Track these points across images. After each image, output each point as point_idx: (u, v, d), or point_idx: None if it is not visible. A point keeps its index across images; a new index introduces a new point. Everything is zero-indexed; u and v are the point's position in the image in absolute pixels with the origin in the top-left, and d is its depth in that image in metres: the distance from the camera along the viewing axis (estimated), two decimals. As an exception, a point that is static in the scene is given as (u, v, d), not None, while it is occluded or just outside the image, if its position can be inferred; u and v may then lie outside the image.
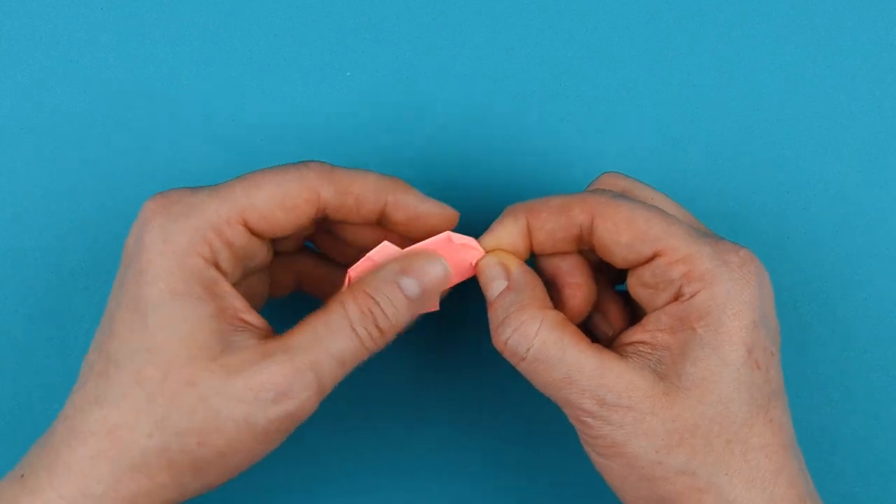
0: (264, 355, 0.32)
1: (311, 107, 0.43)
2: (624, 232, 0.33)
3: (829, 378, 0.44)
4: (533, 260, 0.36)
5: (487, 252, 0.35)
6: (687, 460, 0.32)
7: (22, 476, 0.32)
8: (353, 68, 0.43)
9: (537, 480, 0.44)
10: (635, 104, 0.43)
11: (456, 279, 0.36)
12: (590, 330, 0.37)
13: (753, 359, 0.32)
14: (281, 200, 0.33)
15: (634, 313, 0.38)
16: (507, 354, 0.34)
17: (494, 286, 0.34)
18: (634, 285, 0.35)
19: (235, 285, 0.34)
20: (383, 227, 0.36)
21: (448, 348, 0.44)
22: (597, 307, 0.37)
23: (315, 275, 0.39)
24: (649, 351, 0.33)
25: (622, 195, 0.35)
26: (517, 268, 0.35)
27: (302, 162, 0.34)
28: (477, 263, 0.35)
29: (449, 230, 0.35)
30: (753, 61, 0.43)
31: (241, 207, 0.33)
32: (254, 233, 0.34)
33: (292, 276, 0.39)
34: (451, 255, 0.35)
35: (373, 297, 0.33)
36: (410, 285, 0.34)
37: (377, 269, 0.34)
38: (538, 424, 0.43)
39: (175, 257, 0.32)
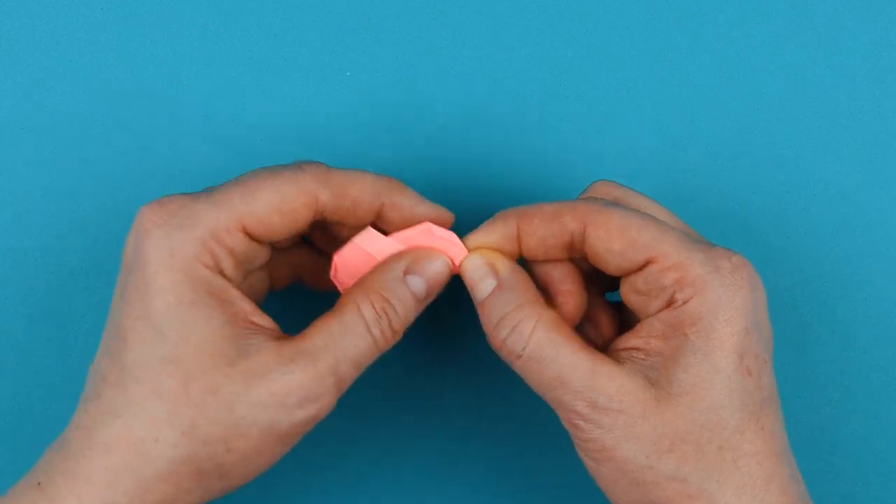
0: (284, 359, 0.32)
1: (311, 107, 0.43)
2: (616, 239, 0.33)
3: (829, 378, 0.44)
4: (523, 266, 0.36)
5: (471, 251, 0.35)
6: (677, 466, 0.32)
7: (39, 484, 0.32)
8: (353, 68, 0.43)
9: (534, 482, 0.44)
10: (635, 104, 0.43)
11: None
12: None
13: (745, 365, 0.32)
14: (279, 206, 0.33)
15: (624, 322, 0.38)
16: (503, 353, 0.34)
17: (483, 286, 0.34)
18: (627, 293, 0.35)
19: (238, 286, 0.34)
20: (378, 226, 0.36)
21: (443, 348, 0.44)
22: (587, 316, 0.37)
23: (313, 266, 0.39)
24: (643, 357, 0.33)
25: (614, 203, 0.35)
26: (505, 266, 0.35)
27: (298, 164, 0.34)
28: (461, 263, 0.35)
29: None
30: (753, 61, 0.43)
31: (239, 215, 0.33)
32: (253, 238, 0.34)
33: (290, 270, 0.39)
34: (432, 248, 0.35)
35: (386, 298, 0.33)
36: (417, 283, 0.34)
37: (381, 267, 0.34)
38: (534, 426, 0.43)
39: (181, 269, 0.32)
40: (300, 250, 0.39)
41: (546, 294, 0.36)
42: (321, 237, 0.38)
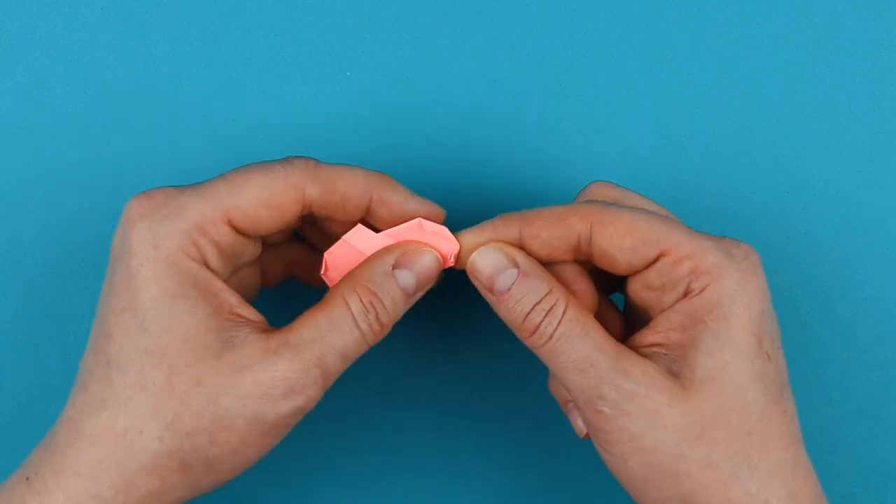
0: (270, 351, 0.32)
1: (311, 107, 0.43)
2: (626, 237, 0.33)
3: (829, 378, 0.44)
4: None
5: (468, 250, 0.35)
6: (709, 453, 0.32)
7: (27, 479, 0.32)
8: (353, 68, 0.43)
9: (528, 469, 0.44)
10: (635, 104, 0.43)
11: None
12: None
13: (764, 349, 0.33)
14: (266, 200, 0.33)
15: (628, 322, 0.38)
16: (534, 338, 0.33)
17: (505, 276, 0.34)
18: (638, 290, 0.35)
19: (227, 280, 0.34)
20: (368, 222, 0.36)
21: (440, 345, 0.44)
22: (595, 315, 0.37)
23: (305, 263, 0.39)
24: (663, 352, 0.33)
25: (615, 203, 0.35)
26: (522, 255, 0.34)
27: (287, 159, 0.34)
28: (472, 256, 0.35)
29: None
30: (753, 61, 0.43)
31: (225, 207, 0.33)
32: (239, 231, 0.34)
33: (282, 266, 0.39)
34: (423, 242, 0.35)
35: (374, 292, 0.33)
36: (406, 277, 0.34)
37: (370, 260, 0.34)
38: (528, 415, 0.43)
39: (166, 260, 0.32)
40: (293, 246, 0.39)
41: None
42: (314, 233, 0.38)
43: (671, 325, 0.33)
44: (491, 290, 0.34)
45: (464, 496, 0.44)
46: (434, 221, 0.35)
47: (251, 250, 0.35)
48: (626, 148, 0.43)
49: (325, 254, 0.35)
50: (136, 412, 0.31)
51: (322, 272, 0.36)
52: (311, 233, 0.38)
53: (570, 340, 0.33)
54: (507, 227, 0.35)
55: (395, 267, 0.34)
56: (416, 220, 0.35)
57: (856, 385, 0.44)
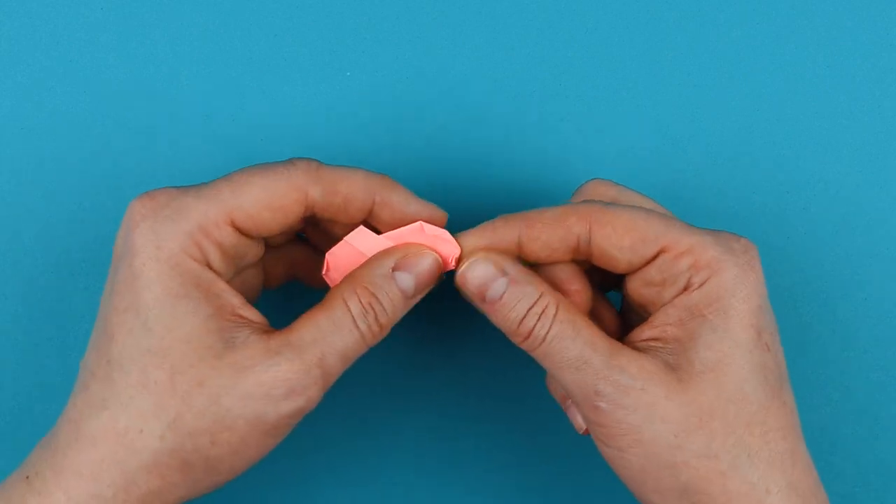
0: (271, 352, 0.32)
1: (311, 107, 0.43)
2: (625, 236, 0.34)
3: (829, 378, 0.44)
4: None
5: (466, 255, 0.35)
6: (707, 443, 0.32)
7: (27, 478, 0.32)
8: (353, 68, 0.43)
9: (527, 469, 0.44)
10: (635, 104, 0.43)
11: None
12: None
13: (763, 341, 0.33)
14: (268, 202, 0.33)
15: (624, 320, 0.38)
16: (528, 341, 0.34)
17: (497, 285, 0.34)
18: (637, 287, 0.35)
19: (230, 281, 0.34)
20: (371, 224, 0.36)
21: (436, 340, 0.44)
22: (591, 313, 0.37)
23: (308, 264, 0.39)
24: (660, 346, 0.33)
25: (613, 203, 0.35)
26: (509, 262, 0.34)
27: (289, 161, 0.34)
28: (460, 268, 0.35)
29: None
30: (753, 61, 0.43)
31: (228, 209, 0.33)
32: (242, 233, 0.34)
33: (285, 267, 0.39)
34: (426, 246, 0.35)
35: (373, 293, 0.33)
36: (406, 280, 0.34)
37: (370, 262, 0.34)
38: (526, 413, 0.43)
39: (168, 261, 0.32)
40: (295, 247, 0.39)
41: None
42: (316, 234, 0.38)
43: (669, 319, 0.33)
44: (483, 301, 0.34)
45: (463, 497, 0.44)
46: (436, 223, 0.35)
47: (254, 251, 0.35)
48: (626, 148, 0.43)
49: (327, 254, 0.35)
50: (138, 411, 0.31)
51: (323, 272, 0.36)
52: (313, 234, 0.39)
53: (563, 341, 0.33)
54: (507, 228, 0.35)
55: (394, 269, 0.34)
56: (418, 223, 0.35)
57: (856, 385, 0.44)
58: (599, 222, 0.34)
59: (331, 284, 0.36)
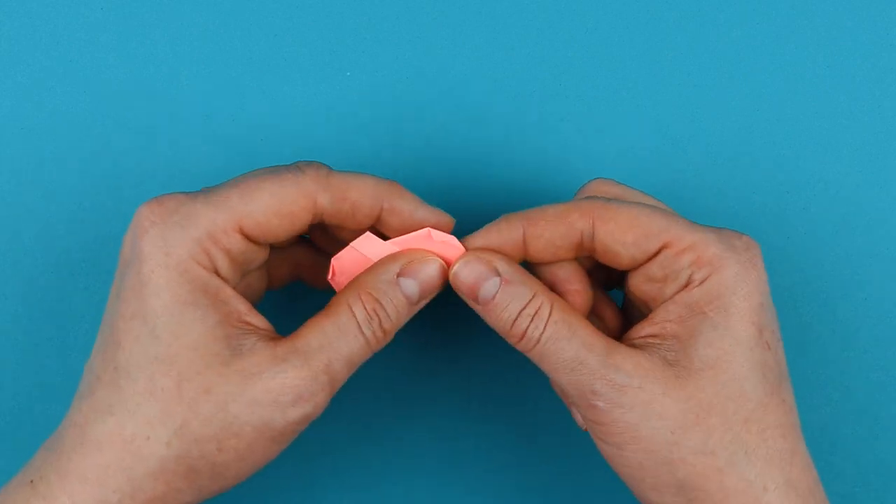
0: (278, 359, 0.32)
1: (311, 107, 0.43)
2: (628, 231, 0.34)
3: (829, 378, 0.44)
4: (526, 268, 0.36)
5: (463, 255, 0.35)
6: (704, 440, 0.32)
7: (31, 482, 0.32)
8: (353, 68, 0.43)
9: (528, 471, 0.44)
10: (635, 104, 0.43)
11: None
12: None
13: (764, 339, 0.33)
14: (277, 209, 0.33)
15: (626, 317, 0.38)
16: (523, 342, 0.34)
17: (489, 284, 0.34)
18: (639, 283, 0.35)
19: (235, 286, 0.34)
20: (378, 230, 0.36)
21: (438, 343, 0.44)
22: (593, 311, 0.37)
23: (312, 265, 0.39)
24: (659, 342, 0.33)
25: (616, 199, 0.35)
26: (503, 262, 0.34)
27: (297, 166, 0.34)
28: (453, 269, 0.35)
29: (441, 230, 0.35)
30: (753, 61, 0.43)
31: (237, 216, 0.33)
32: (250, 239, 0.34)
33: (289, 268, 0.39)
34: (433, 252, 0.35)
35: (377, 299, 0.33)
36: (410, 286, 0.34)
37: (375, 268, 0.34)
38: (528, 416, 0.43)
39: (177, 268, 0.32)
40: (299, 249, 0.39)
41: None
42: (321, 236, 0.38)
43: (669, 316, 0.33)
44: (476, 301, 0.34)
45: (464, 498, 0.44)
46: (443, 229, 0.35)
47: (260, 256, 0.35)
48: (626, 148, 0.43)
49: (333, 259, 0.35)
50: (145, 418, 0.31)
51: (329, 277, 0.36)
52: (318, 237, 0.39)
53: (557, 342, 0.33)
54: (510, 228, 0.35)
55: (399, 275, 0.34)
56: (426, 229, 0.35)
57: (856, 385, 0.44)
58: (602, 218, 0.34)
59: (336, 289, 0.36)
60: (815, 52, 0.43)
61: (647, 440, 0.32)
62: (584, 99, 0.43)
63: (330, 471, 0.44)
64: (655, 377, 0.32)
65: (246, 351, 0.32)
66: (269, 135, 0.43)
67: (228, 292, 0.33)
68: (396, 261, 0.34)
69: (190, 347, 0.32)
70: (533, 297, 0.34)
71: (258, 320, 0.33)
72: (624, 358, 0.32)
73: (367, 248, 0.35)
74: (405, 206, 0.35)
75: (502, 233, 0.35)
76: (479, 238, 0.35)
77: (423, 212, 0.35)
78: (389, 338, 0.34)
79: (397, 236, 0.35)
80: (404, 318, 0.34)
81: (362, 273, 0.35)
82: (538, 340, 0.33)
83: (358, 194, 0.34)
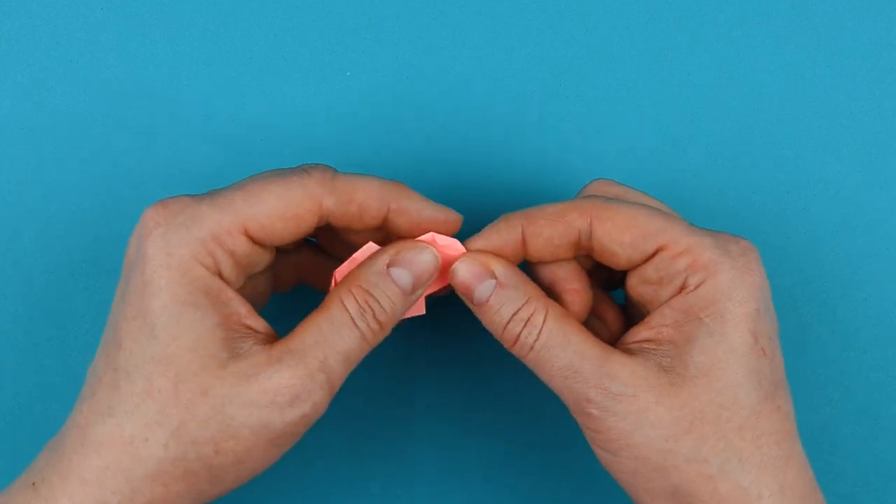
0: (274, 359, 0.32)
1: (311, 107, 0.43)
2: (625, 231, 0.34)
3: (829, 378, 0.44)
4: (526, 268, 0.36)
5: (463, 255, 0.35)
6: (696, 447, 0.32)
7: (33, 484, 0.32)
8: (353, 68, 0.43)
9: (529, 475, 0.44)
10: (635, 104, 0.43)
11: (444, 283, 0.36)
12: None
13: (759, 346, 0.33)
14: (282, 212, 0.33)
15: (629, 318, 0.38)
16: (516, 347, 0.34)
17: (483, 287, 0.34)
18: (636, 285, 0.35)
19: (240, 288, 0.34)
20: (384, 231, 0.36)
21: (440, 347, 0.44)
22: (593, 312, 0.37)
23: (318, 268, 0.39)
24: (654, 347, 0.33)
25: (615, 199, 0.35)
26: (500, 265, 0.34)
27: (303, 168, 0.34)
28: (451, 268, 0.35)
29: (449, 232, 0.35)
30: (753, 61, 0.43)
31: (242, 218, 0.33)
32: (255, 242, 0.34)
33: (295, 271, 0.39)
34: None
35: (368, 291, 0.33)
36: (402, 276, 0.34)
37: (365, 261, 0.34)
38: (529, 422, 0.43)
39: (179, 268, 0.32)
40: (305, 252, 0.39)
41: (553, 294, 0.36)
42: (328, 239, 0.38)
43: (665, 320, 0.33)
44: (472, 302, 0.34)
45: (466, 500, 0.44)
46: (452, 227, 0.35)
47: (265, 259, 0.35)
48: (626, 148, 0.43)
49: (335, 272, 0.35)
50: (143, 419, 0.31)
51: (331, 288, 0.35)
52: (324, 239, 0.38)
53: (552, 350, 0.33)
54: (510, 228, 0.35)
55: (389, 266, 0.34)
56: (430, 234, 0.35)
57: (856, 385, 0.44)
58: (600, 217, 0.34)
59: None
60: (815, 52, 0.43)
61: (641, 447, 0.32)
62: (584, 99, 0.43)
63: (329, 478, 0.44)
64: (650, 385, 0.32)
65: (243, 353, 0.32)
66: (269, 135, 0.43)
67: (230, 294, 0.33)
68: (386, 252, 0.34)
69: (188, 348, 0.32)
70: (526, 301, 0.34)
71: (258, 323, 0.33)
72: (619, 366, 0.32)
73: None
74: (412, 205, 0.35)
75: (502, 233, 0.35)
76: (480, 239, 0.35)
77: (431, 210, 0.35)
78: (386, 331, 0.34)
79: (405, 237, 0.35)
80: (401, 310, 0.34)
81: (354, 268, 0.35)
82: (532, 347, 0.33)
83: (364, 196, 0.34)
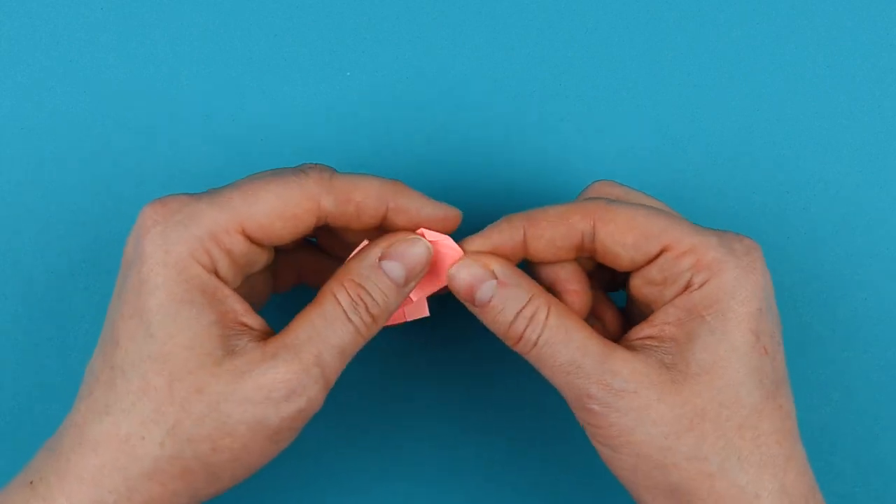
0: (269, 355, 0.32)
1: (311, 107, 0.43)
2: (628, 233, 0.34)
3: (829, 378, 0.44)
4: (526, 267, 0.36)
5: (461, 257, 0.35)
6: (697, 445, 0.32)
7: (31, 483, 0.32)
8: (353, 68, 0.43)
9: (527, 474, 0.44)
10: (635, 104, 0.43)
11: (437, 282, 0.35)
12: None
13: (761, 345, 0.33)
14: (280, 211, 0.33)
15: (628, 319, 0.38)
16: (520, 344, 0.34)
17: (485, 287, 0.34)
18: (640, 286, 0.35)
19: (238, 288, 0.34)
20: (384, 231, 0.36)
21: (438, 346, 0.44)
22: (593, 313, 0.37)
23: (318, 268, 0.39)
24: (656, 344, 0.33)
25: (617, 200, 0.35)
26: (500, 265, 0.34)
27: (301, 168, 0.34)
28: (449, 271, 0.35)
29: (449, 229, 0.35)
30: (753, 61, 0.43)
31: (240, 217, 0.33)
32: (253, 241, 0.33)
33: (295, 271, 0.39)
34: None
35: (360, 285, 0.33)
36: (394, 268, 0.34)
37: (357, 255, 0.34)
38: (528, 419, 0.43)
39: (175, 266, 0.32)
40: (304, 252, 0.39)
41: (554, 295, 0.36)
42: (327, 239, 0.38)
43: (668, 318, 0.33)
44: (473, 303, 0.34)
45: (465, 500, 0.44)
46: (451, 223, 0.35)
47: (263, 259, 0.35)
48: (626, 148, 0.43)
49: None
50: (139, 418, 0.31)
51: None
52: (324, 239, 0.38)
53: (554, 345, 0.33)
54: (511, 229, 0.35)
55: (381, 259, 0.34)
56: (420, 231, 0.35)
57: (856, 385, 0.44)
58: (603, 219, 0.34)
59: None
60: (815, 52, 0.43)
61: (641, 444, 0.32)
62: (584, 99, 0.43)
63: (327, 476, 0.44)
64: (651, 382, 0.32)
65: (238, 350, 0.32)
66: (269, 135, 0.43)
67: (226, 292, 0.33)
68: (378, 245, 0.34)
69: (184, 346, 0.32)
70: (530, 299, 0.34)
71: (254, 321, 0.33)
72: (621, 362, 0.33)
73: None
74: (411, 204, 0.35)
75: (503, 233, 0.35)
76: (481, 238, 0.35)
77: (430, 208, 0.35)
78: (380, 324, 0.34)
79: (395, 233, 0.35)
80: (394, 303, 0.34)
81: (346, 262, 0.35)
82: (535, 343, 0.33)
83: (362, 195, 0.34)
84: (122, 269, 0.34)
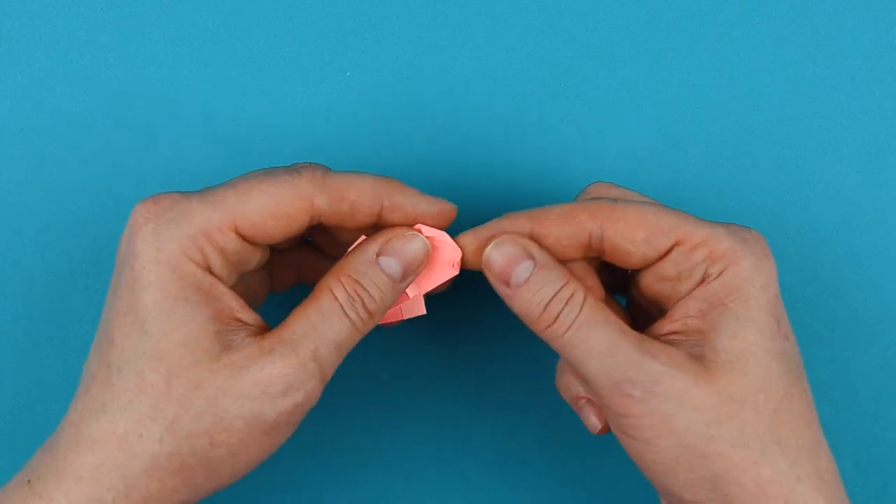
0: (265, 350, 0.32)
1: (311, 107, 0.43)
2: (639, 229, 0.34)
3: (829, 378, 0.44)
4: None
5: (473, 251, 0.34)
6: (740, 432, 0.32)
7: (29, 482, 0.32)
8: (353, 68, 0.43)
9: (526, 472, 0.44)
10: (635, 104, 0.43)
11: (435, 279, 0.35)
12: None
13: (783, 330, 0.33)
14: (273, 210, 0.33)
15: (634, 319, 0.38)
16: (553, 328, 0.33)
17: (522, 268, 0.34)
18: (651, 283, 0.35)
19: (234, 286, 0.34)
20: (380, 229, 0.36)
21: (437, 341, 0.44)
22: None
23: (316, 267, 0.39)
24: (682, 339, 0.33)
25: (621, 199, 0.35)
26: (537, 248, 0.34)
27: (294, 167, 0.34)
28: (486, 250, 0.34)
29: (445, 224, 0.35)
30: (753, 61, 0.43)
31: (232, 215, 0.33)
32: (245, 239, 0.33)
33: (293, 271, 0.39)
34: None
35: (357, 280, 0.33)
36: (390, 264, 0.34)
37: (354, 250, 0.34)
38: (526, 418, 0.43)
39: (168, 263, 0.32)
40: (302, 251, 0.39)
41: None
42: (323, 239, 0.38)
43: (689, 311, 0.33)
44: (507, 283, 0.34)
45: (463, 498, 0.44)
46: (447, 218, 0.35)
47: (258, 258, 0.35)
48: (626, 148, 0.43)
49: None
50: (136, 415, 0.31)
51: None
52: (320, 238, 0.38)
53: (593, 327, 0.32)
54: (514, 227, 0.34)
55: (378, 255, 0.34)
56: (417, 226, 0.35)
57: (856, 385, 0.44)
58: (610, 218, 0.34)
59: None
60: (815, 52, 0.43)
61: (682, 433, 0.32)
62: (584, 99, 0.43)
63: (324, 470, 0.44)
64: (687, 369, 0.32)
65: (235, 346, 0.32)
66: (269, 135, 0.43)
67: (221, 289, 0.33)
68: (375, 241, 0.34)
69: (179, 343, 0.32)
70: (567, 282, 0.33)
71: (250, 317, 0.33)
72: (657, 348, 0.32)
73: None
74: (406, 200, 0.35)
75: (507, 230, 0.35)
76: (474, 235, 0.35)
77: (425, 204, 0.35)
78: (376, 319, 0.34)
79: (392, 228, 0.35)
80: (390, 298, 0.34)
81: (343, 257, 0.35)
82: (572, 324, 0.33)
83: (357, 194, 0.34)
84: (116, 267, 0.34)
